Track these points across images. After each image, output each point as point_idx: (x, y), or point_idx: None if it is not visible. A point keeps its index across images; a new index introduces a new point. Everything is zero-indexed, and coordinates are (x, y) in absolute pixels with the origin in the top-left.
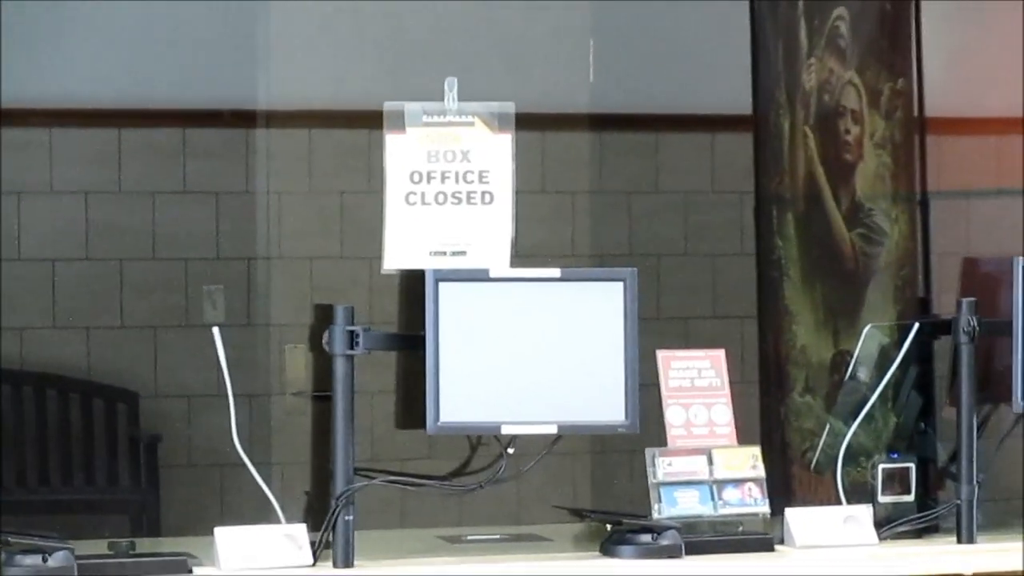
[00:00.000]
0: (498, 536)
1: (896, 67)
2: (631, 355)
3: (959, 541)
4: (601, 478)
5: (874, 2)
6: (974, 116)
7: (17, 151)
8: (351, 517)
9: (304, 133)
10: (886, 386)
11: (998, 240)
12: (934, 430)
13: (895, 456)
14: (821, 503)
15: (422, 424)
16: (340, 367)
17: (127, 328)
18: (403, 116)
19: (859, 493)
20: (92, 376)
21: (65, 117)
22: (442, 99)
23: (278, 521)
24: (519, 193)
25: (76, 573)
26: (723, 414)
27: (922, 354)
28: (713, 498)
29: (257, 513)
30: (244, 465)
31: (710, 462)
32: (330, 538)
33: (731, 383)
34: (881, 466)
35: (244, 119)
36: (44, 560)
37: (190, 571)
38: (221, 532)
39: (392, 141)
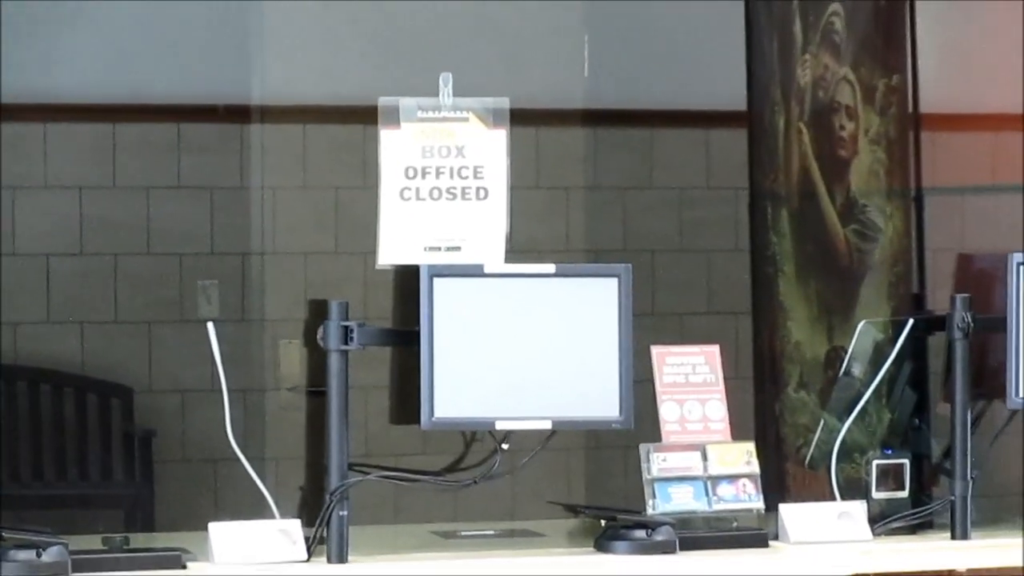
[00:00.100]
0: (492, 532)
1: (891, 63)
2: (625, 351)
3: (953, 537)
4: (595, 474)
5: None
6: (969, 112)
7: (11, 146)
8: (345, 512)
9: (299, 128)
10: (880, 382)
11: (992, 236)
12: (928, 426)
13: (889, 452)
14: (815, 499)
15: (416, 420)
16: (334, 362)
17: (121, 323)
18: (398, 111)
19: (853, 489)
20: (86, 371)
21: (59, 112)
22: (437, 94)
23: (272, 516)
24: (514, 189)
25: (70, 568)
26: (717, 410)
27: (916, 350)
28: (707, 494)
29: (251, 508)
30: (238, 460)
31: (704, 458)
32: (324, 533)
33: (725, 379)
34: (875, 462)
35: (239, 114)
36: (38, 555)
37: (184, 566)
38: (215, 527)
39: (387, 136)
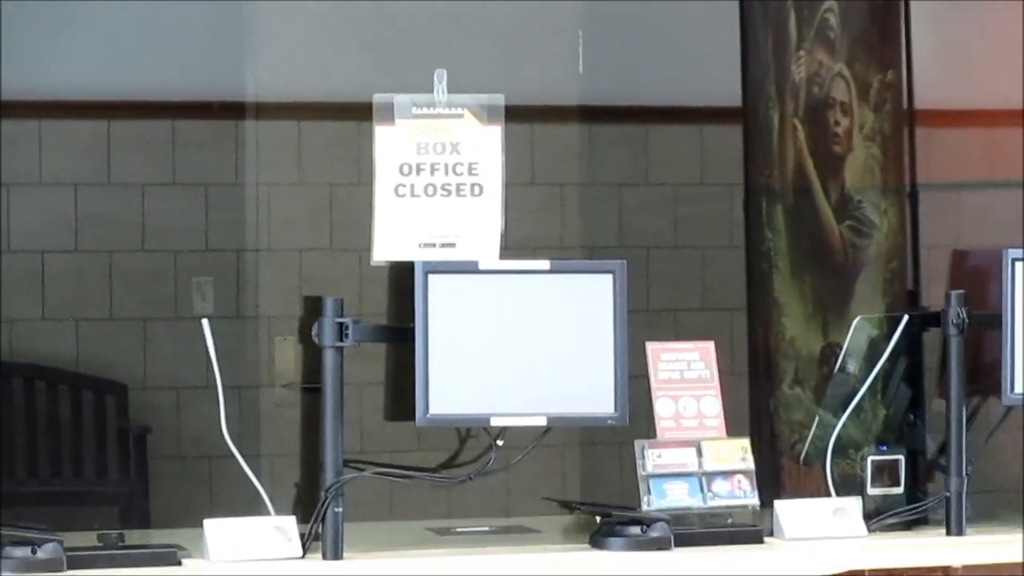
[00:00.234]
0: (487, 528)
1: (885, 59)
2: (620, 347)
3: (948, 533)
4: (590, 470)
5: None
6: (964, 108)
7: (6, 143)
8: (340, 509)
9: (293, 125)
10: (875, 378)
11: (987, 232)
12: (923, 422)
13: (884, 448)
14: (810, 495)
15: (411, 416)
16: (329, 359)
17: (116, 320)
18: (392, 108)
19: (848, 485)
20: (81, 368)
21: (54, 109)
22: (431, 91)
23: (267, 513)
24: (508, 185)
25: (65, 565)
26: (712, 406)
27: (911, 346)
28: (702, 490)
29: (246, 505)
30: (233, 457)
31: (699, 454)
32: (319, 530)
33: (720, 375)
34: (870, 458)
35: (233, 111)
36: (33, 552)
37: (179, 563)
38: (210, 524)
39: (381, 133)
